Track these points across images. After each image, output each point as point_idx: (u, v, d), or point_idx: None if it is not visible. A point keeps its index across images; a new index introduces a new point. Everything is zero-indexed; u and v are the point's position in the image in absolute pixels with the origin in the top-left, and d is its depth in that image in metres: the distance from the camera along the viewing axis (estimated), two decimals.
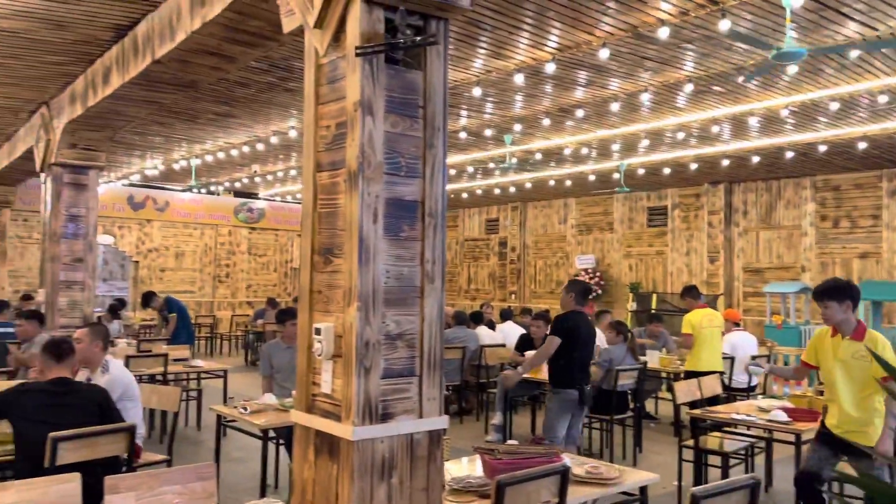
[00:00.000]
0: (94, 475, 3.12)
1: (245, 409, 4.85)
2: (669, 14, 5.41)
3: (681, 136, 9.41)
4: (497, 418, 7.24)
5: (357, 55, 2.77)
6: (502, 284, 17.11)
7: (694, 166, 11.32)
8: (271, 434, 4.79)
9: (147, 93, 5.94)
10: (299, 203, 17.97)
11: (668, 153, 10.71)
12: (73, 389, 3.74)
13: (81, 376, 4.46)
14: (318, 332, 2.97)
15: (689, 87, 7.16)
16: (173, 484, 2.93)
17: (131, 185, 15.68)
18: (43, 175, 7.69)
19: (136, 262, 16.51)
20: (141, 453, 4.35)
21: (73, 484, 2.81)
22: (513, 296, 16.75)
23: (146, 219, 16.44)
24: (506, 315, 10.09)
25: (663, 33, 5.60)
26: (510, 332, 9.02)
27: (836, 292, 4.04)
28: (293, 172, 13.28)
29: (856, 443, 3.87)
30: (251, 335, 13.54)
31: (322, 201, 3.07)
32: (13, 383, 4.53)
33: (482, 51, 6.28)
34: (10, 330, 6.81)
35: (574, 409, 5.40)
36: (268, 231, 18.39)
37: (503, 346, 8.71)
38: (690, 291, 7.55)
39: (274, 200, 18.10)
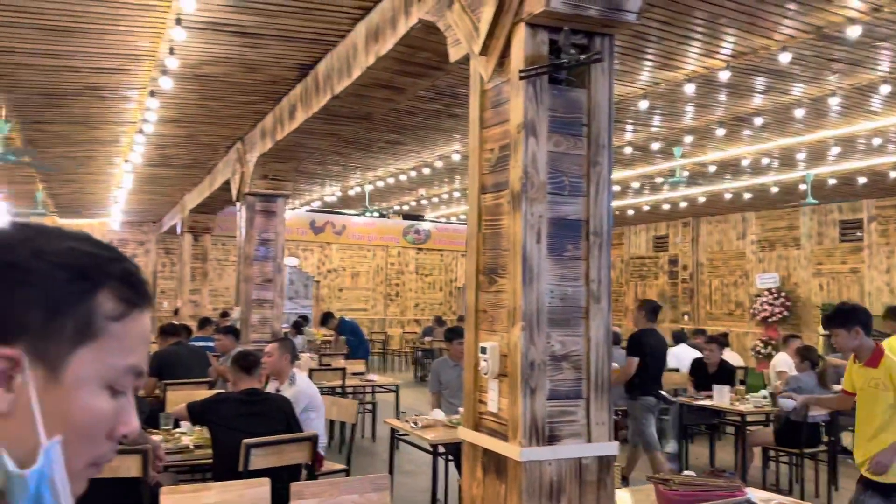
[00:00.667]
0: (280, 480, 3.38)
1: (416, 423, 5.01)
2: (859, 12, 4.92)
3: (877, 141, 8.47)
4: (671, 446, 6.88)
5: (521, 78, 2.81)
6: (673, 305, 16.31)
7: (894, 174, 10.14)
8: (441, 449, 4.91)
9: (327, 126, 6.42)
10: (463, 224, 18.42)
11: (862, 161, 9.68)
12: (262, 399, 4.08)
13: (270, 387, 4.87)
14: (483, 350, 3.01)
15: (885, 89, 6.44)
16: (352, 493, 3.09)
17: (313, 210, 16.93)
18: (238, 204, 8.54)
19: (318, 281, 17.76)
20: (323, 462, 4.64)
21: (263, 488, 3.06)
22: (686, 317, 15.90)
23: (326, 242, 17.66)
24: (679, 337, 9.59)
25: (853, 33, 5.10)
26: (683, 356, 8.56)
27: (841, 318, 3.70)
28: (457, 194, 13.64)
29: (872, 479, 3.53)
30: (420, 352, 14.02)
31: (487, 222, 3.13)
32: (212, 392, 5.03)
33: (648, 63, 6.09)
34: (212, 344, 7.60)
35: (653, 412, 6.18)
36: (434, 252, 19.00)
37: (676, 370, 8.28)
38: (894, 313, 6.76)
39: (439, 222, 18.69)
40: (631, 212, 14.87)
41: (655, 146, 9.04)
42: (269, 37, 5.40)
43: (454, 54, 3.49)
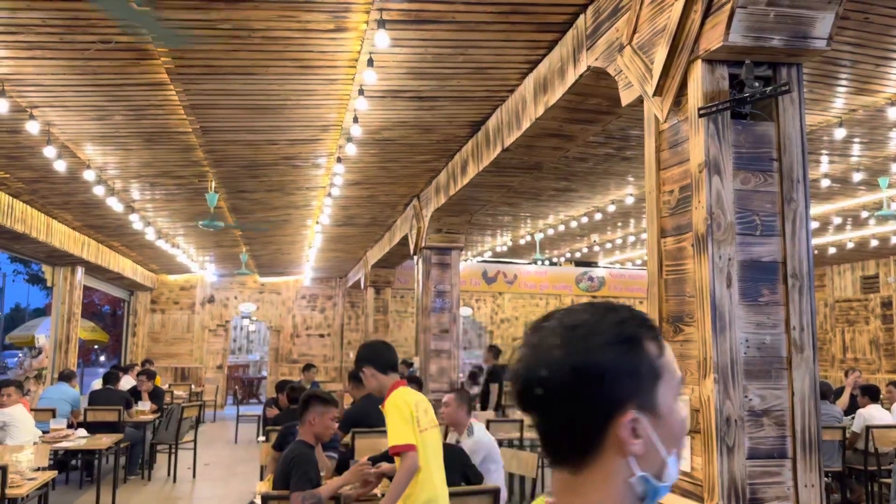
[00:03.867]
0: None
1: None
2: None
3: None
4: None
5: (700, 116, 2.69)
6: (889, 353, 14.42)
7: None
8: None
9: (498, 178, 6.56)
10: (640, 270, 17.78)
11: None
12: None
13: (450, 438, 4.92)
14: None
15: None
16: None
17: (484, 261, 17.25)
18: (415, 257, 8.92)
19: (491, 331, 17.93)
20: None
21: None
22: None
23: (498, 291, 17.85)
24: None
25: None
26: None
27: (357, 360, 3.37)
28: (631, 239, 13.23)
29: None
30: None
31: (668, 267, 2.99)
32: None
33: (842, 89, 5.59)
34: None
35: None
36: (609, 299, 18.45)
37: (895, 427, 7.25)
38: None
39: (613, 268, 18.19)
40: (833, 250, 13.51)
41: (857, 177, 8.21)
42: (443, 98, 5.67)
43: (626, 98, 3.44)
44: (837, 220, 10.94)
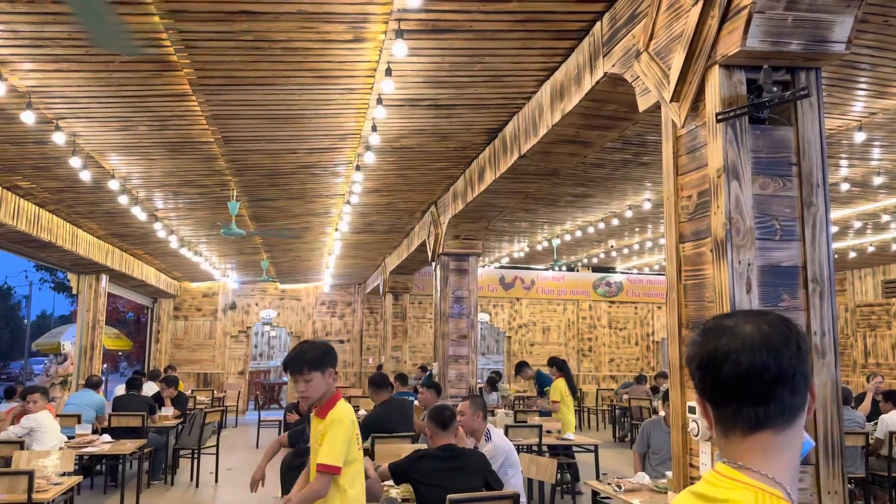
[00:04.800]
0: None
1: (619, 487, 4.80)
2: None
3: None
4: None
5: (718, 121, 2.70)
6: None
7: None
8: None
9: (515, 184, 6.58)
10: (657, 275, 17.67)
11: None
12: (459, 454, 4.13)
13: (469, 444, 4.93)
14: (692, 410, 2.84)
15: None
16: None
17: (502, 267, 17.24)
18: (433, 264, 8.94)
19: (509, 337, 17.91)
20: None
21: None
22: None
23: (516, 297, 17.83)
24: None
25: None
26: None
27: (317, 360, 2.90)
28: (649, 244, 13.17)
29: None
30: (617, 409, 13.47)
31: (687, 273, 3.00)
32: (414, 446, 5.20)
33: (862, 92, 5.56)
34: (412, 399, 7.90)
35: None
36: (627, 304, 18.37)
37: None
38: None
39: (631, 273, 18.11)
40: (853, 254, 13.36)
41: (878, 181, 8.13)
42: (460, 106, 5.71)
43: (643, 104, 3.45)
44: (858, 224, 10.82)
